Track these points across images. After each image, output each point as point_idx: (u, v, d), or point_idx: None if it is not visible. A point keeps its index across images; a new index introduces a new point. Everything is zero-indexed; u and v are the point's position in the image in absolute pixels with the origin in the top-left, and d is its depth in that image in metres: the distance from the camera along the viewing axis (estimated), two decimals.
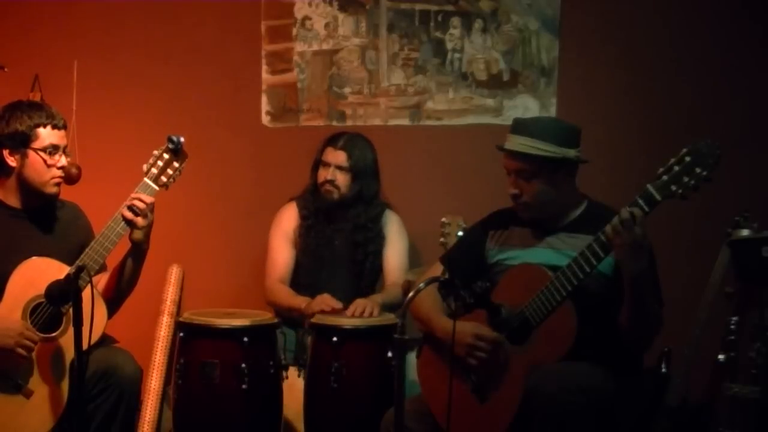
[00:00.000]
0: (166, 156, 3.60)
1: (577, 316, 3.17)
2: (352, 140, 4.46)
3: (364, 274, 4.45)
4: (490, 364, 3.30)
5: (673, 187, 3.02)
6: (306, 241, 4.47)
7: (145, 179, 3.59)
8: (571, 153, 3.36)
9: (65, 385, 3.49)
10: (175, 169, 3.61)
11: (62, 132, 3.66)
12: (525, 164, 3.35)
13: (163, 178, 3.60)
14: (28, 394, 3.45)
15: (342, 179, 4.40)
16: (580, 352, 3.17)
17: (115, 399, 3.56)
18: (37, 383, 3.47)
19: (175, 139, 3.60)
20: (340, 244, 4.45)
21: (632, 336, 3.26)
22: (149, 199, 3.56)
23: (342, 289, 4.33)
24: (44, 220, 3.74)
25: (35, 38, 5.13)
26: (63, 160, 3.65)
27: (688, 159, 3.01)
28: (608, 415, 3.22)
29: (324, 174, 4.41)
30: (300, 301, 4.26)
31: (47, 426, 3.46)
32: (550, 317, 3.21)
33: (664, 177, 3.04)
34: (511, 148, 3.38)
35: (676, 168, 3.02)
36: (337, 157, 4.40)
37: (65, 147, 3.67)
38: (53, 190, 3.68)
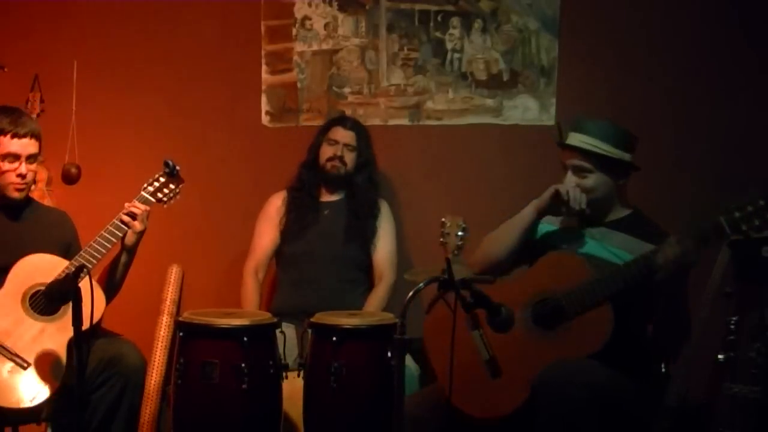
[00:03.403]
0: (162, 179, 3.83)
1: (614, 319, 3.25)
2: (357, 123, 4.76)
3: (357, 240, 4.58)
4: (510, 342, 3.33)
5: (743, 226, 3.12)
6: (291, 209, 4.67)
7: (142, 192, 3.79)
8: (627, 157, 3.51)
9: (62, 361, 3.58)
10: (171, 190, 3.84)
11: (25, 141, 3.78)
12: (584, 161, 3.49)
13: (159, 195, 3.81)
14: (26, 366, 3.55)
15: (349, 157, 4.63)
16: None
17: (119, 388, 3.71)
18: (34, 357, 3.57)
19: (170, 163, 3.84)
20: (329, 213, 4.62)
21: (662, 343, 3.42)
22: (145, 207, 3.74)
23: (330, 255, 4.54)
24: (22, 217, 3.90)
25: (35, 38, 5.13)
26: (23, 168, 3.78)
27: (762, 203, 3.10)
28: (614, 413, 3.24)
29: (333, 150, 4.62)
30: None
31: (42, 395, 3.54)
32: (587, 313, 3.28)
33: (736, 213, 3.12)
34: (573, 144, 3.51)
35: (749, 209, 3.11)
36: (346, 136, 4.64)
37: (30, 155, 3.80)
38: (14, 195, 3.82)
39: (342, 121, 4.72)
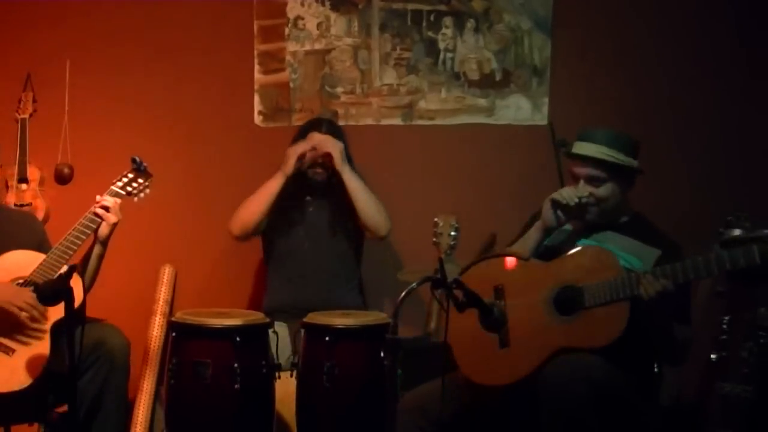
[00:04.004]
0: (130, 175, 3.94)
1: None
2: (332, 124, 4.66)
3: (343, 233, 4.57)
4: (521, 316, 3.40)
5: None
6: (277, 208, 4.57)
7: (112, 187, 3.88)
8: (635, 163, 3.53)
9: (46, 347, 3.60)
10: (140, 184, 3.94)
11: None
12: (598, 170, 3.50)
13: (129, 188, 3.90)
14: (10, 352, 3.58)
15: (329, 161, 4.51)
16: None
17: (107, 369, 3.74)
18: (18, 344, 3.60)
19: (137, 159, 3.95)
20: (314, 210, 4.59)
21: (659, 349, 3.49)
22: (116, 199, 3.84)
23: (318, 250, 4.52)
24: None
25: (28, 37, 5.11)
26: None
27: None
28: (612, 410, 3.27)
29: (312, 157, 4.52)
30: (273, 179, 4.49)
31: (27, 380, 3.56)
32: (605, 307, 3.31)
33: None
34: (587, 154, 3.51)
35: None
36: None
37: None
38: None
39: (317, 125, 4.62)
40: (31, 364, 3.57)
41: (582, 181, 3.53)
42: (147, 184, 3.94)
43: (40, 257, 3.72)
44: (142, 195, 3.93)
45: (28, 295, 3.58)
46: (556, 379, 3.21)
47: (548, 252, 3.59)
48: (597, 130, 3.57)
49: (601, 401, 3.21)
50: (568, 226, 3.65)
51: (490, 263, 3.56)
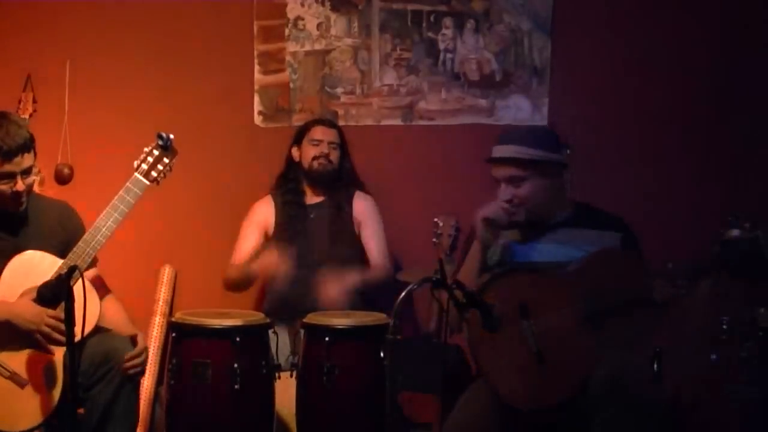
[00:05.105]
0: (156, 153, 3.67)
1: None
2: (334, 122, 4.78)
3: (343, 239, 4.58)
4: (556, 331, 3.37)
5: None
6: (278, 215, 4.63)
7: (136, 174, 3.64)
8: (555, 157, 3.54)
9: (59, 378, 3.46)
10: (165, 165, 3.68)
11: (17, 159, 3.46)
12: (515, 170, 3.52)
13: (153, 173, 3.65)
14: (23, 384, 3.43)
15: (334, 155, 4.62)
16: None
17: (117, 383, 3.56)
18: (30, 374, 3.44)
19: (164, 135, 3.69)
20: (315, 216, 4.61)
21: None
22: (141, 350, 3.63)
23: (320, 256, 4.51)
24: (20, 222, 3.67)
25: (28, 38, 5.12)
26: (20, 185, 3.50)
27: None
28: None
29: (318, 149, 4.59)
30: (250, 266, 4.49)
31: (39, 417, 3.43)
32: (635, 311, 3.34)
33: None
34: (503, 155, 3.55)
35: None
36: (329, 134, 4.63)
37: (24, 170, 3.51)
38: (15, 209, 3.59)
39: (321, 120, 4.72)
40: (43, 399, 3.40)
41: (503, 184, 3.55)
42: (172, 164, 3.66)
43: (56, 264, 3.49)
44: (164, 178, 3.65)
45: (49, 317, 3.40)
46: (614, 382, 3.23)
47: (516, 265, 3.58)
48: (511, 130, 3.66)
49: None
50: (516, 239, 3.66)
51: (504, 282, 3.54)
